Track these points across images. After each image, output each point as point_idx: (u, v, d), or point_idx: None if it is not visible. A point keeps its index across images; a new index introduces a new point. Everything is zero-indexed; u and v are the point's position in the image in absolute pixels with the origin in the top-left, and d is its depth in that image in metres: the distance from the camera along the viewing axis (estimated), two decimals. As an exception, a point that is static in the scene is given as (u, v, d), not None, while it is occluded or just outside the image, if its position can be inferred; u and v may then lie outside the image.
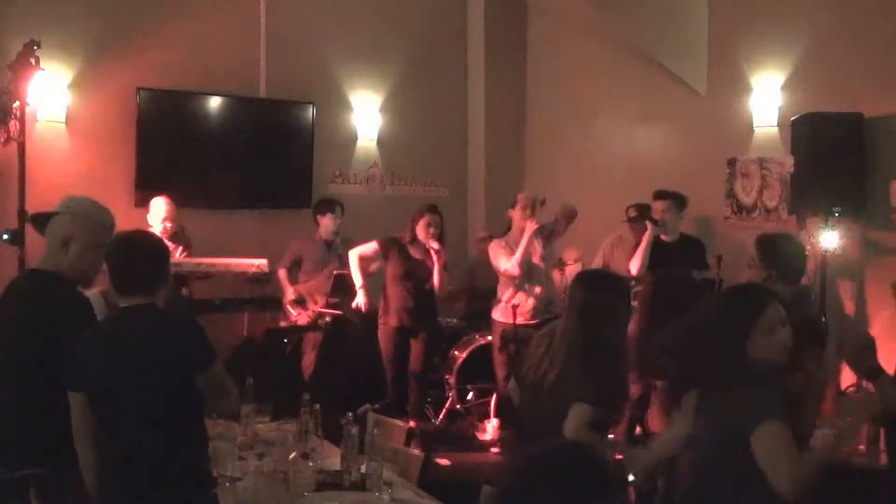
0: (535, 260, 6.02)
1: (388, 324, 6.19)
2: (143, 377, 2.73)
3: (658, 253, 5.76)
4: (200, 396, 2.83)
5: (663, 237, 5.85)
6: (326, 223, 6.65)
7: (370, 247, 6.20)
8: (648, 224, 5.79)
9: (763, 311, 2.69)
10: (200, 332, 2.84)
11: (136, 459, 2.75)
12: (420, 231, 6.06)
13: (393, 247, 6.15)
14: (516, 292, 5.99)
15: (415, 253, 6.13)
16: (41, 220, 3.15)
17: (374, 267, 6.40)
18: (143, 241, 2.95)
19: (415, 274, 6.11)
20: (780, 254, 4.05)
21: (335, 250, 6.70)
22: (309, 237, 6.76)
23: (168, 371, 2.75)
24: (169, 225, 6.17)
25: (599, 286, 3.46)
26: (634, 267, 5.76)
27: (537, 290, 5.99)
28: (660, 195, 5.94)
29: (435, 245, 6.01)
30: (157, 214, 6.17)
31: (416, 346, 6.26)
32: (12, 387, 2.96)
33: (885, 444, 3.53)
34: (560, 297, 6.72)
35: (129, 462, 2.75)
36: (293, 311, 6.61)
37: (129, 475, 2.76)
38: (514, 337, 5.90)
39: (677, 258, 5.66)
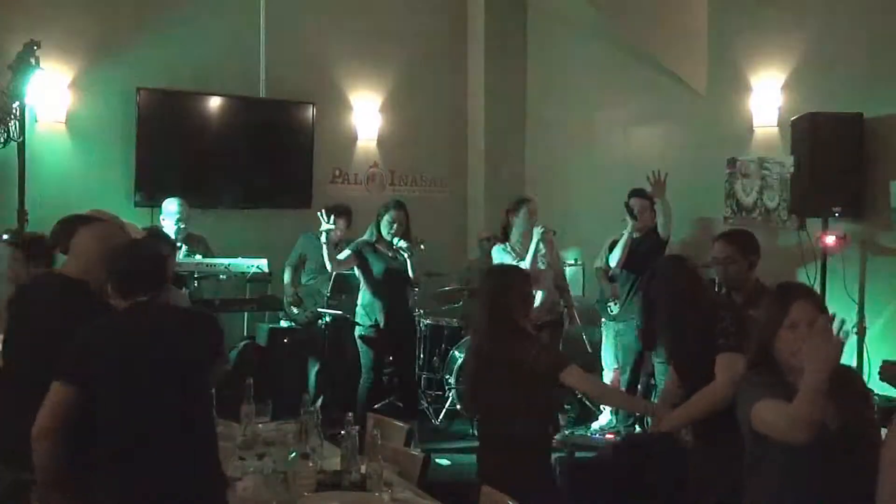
0: (539, 264, 6.10)
1: (364, 327, 6.12)
2: (160, 371, 2.77)
3: (633, 248, 6.00)
4: (209, 394, 2.87)
5: (636, 233, 6.04)
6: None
7: (344, 255, 6.13)
8: (630, 221, 5.96)
9: (789, 308, 2.68)
10: (217, 326, 3.01)
11: (151, 458, 2.75)
12: (384, 228, 6.03)
13: (364, 250, 6.10)
14: None
15: (385, 251, 6.09)
16: (72, 225, 3.20)
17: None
18: (146, 246, 3.04)
19: (388, 274, 6.06)
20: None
21: (340, 251, 6.68)
22: (313, 237, 6.75)
23: (181, 364, 2.79)
24: (183, 226, 6.18)
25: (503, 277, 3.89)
26: (613, 260, 6.03)
27: (539, 293, 6.04)
28: (637, 193, 6.10)
29: (397, 243, 5.95)
30: (171, 215, 6.18)
31: (397, 347, 6.25)
32: (25, 389, 2.95)
33: None
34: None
35: (143, 461, 2.76)
36: (294, 311, 6.62)
37: (143, 475, 2.76)
38: None
39: (646, 251, 5.85)
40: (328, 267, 6.06)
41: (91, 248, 3.12)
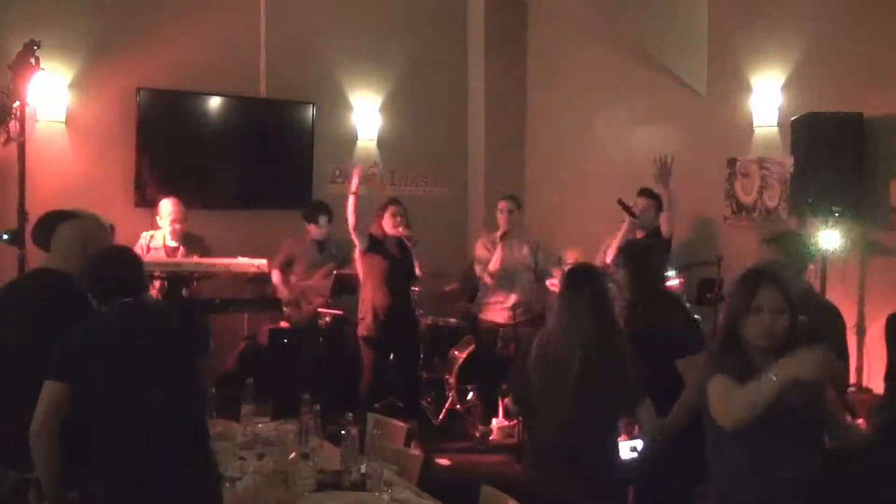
0: (518, 265, 6.16)
1: (366, 324, 6.14)
2: (148, 368, 2.81)
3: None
4: (199, 390, 2.90)
5: (637, 233, 6.00)
6: (314, 231, 6.68)
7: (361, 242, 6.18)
8: (628, 218, 5.91)
9: (756, 293, 2.79)
10: (202, 324, 3.05)
11: (142, 453, 2.77)
12: (387, 224, 6.05)
13: (374, 245, 6.12)
14: (494, 293, 6.30)
15: (390, 249, 6.12)
16: (51, 223, 3.20)
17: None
18: (127, 251, 3.16)
19: (392, 272, 6.08)
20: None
21: (328, 251, 6.71)
22: (301, 238, 6.78)
23: (169, 362, 2.82)
24: (178, 226, 6.19)
25: (598, 280, 3.60)
26: (609, 257, 5.88)
27: (514, 294, 6.16)
28: (644, 192, 6.07)
29: (406, 232, 6.02)
30: (167, 216, 6.19)
31: (398, 346, 6.27)
32: (24, 387, 2.95)
33: None
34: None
35: (134, 457, 2.77)
36: (286, 310, 6.65)
37: (134, 470, 2.77)
38: (514, 337, 5.97)
39: None
40: (350, 222, 6.07)
41: (72, 243, 3.16)
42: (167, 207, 6.21)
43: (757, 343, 2.77)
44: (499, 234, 6.32)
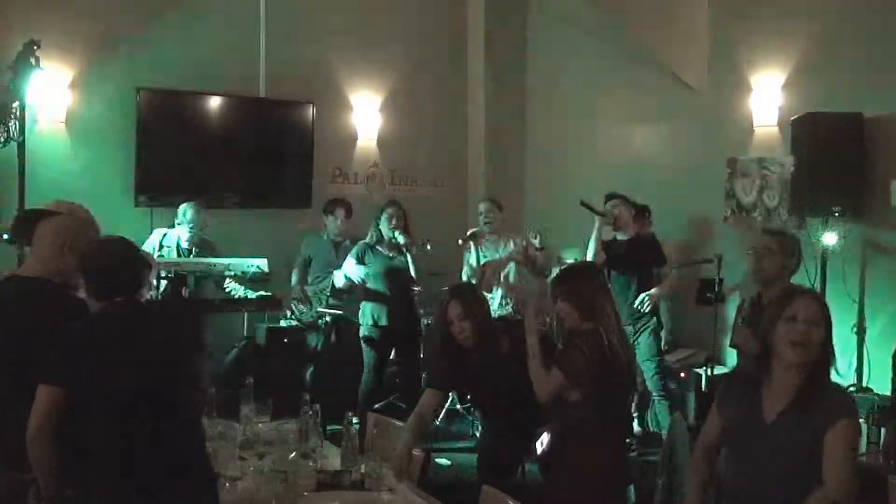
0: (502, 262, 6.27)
1: (367, 324, 6.16)
2: (144, 369, 2.78)
3: (612, 250, 5.96)
4: (196, 390, 2.89)
5: (619, 236, 6.03)
6: (330, 224, 6.70)
7: (349, 263, 6.19)
8: (597, 218, 5.94)
9: (791, 301, 2.74)
10: (198, 324, 2.96)
11: (139, 454, 2.76)
12: (385, 226, 6.09)
13: (366, 251, 6.15)
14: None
15: (385, 251, 6.14)
16: (32, 220, 3.17)
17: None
18: (124, 247, 3.01)
19: (389, 273, 6.11)
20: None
21: (344, 251, 6.71)
22: (317, 237, 6.80)
23: (165, 362, 2.81)
24: (194, 232, 6.17)
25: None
26: (590, 255, 5.96)
27: (499, 290, 6.24)
28: (608, 196, 6.12)
29: (401, 238, 6.04)
30: (186, 220, 6.17)
31: (399, 346, 6.28)
32: (16, 391, 2.95)
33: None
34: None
35: (131, 457, 2.77)
36: (301, 307, 6.67)
37: (132, 471, 2.77)
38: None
39: (629, 255, 5.90)
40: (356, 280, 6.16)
41: (50, 243, 3.11)
42: (188, 212, 6.20)
43: (787, 356, 2.69)
44: (466, 236, 6.37)
